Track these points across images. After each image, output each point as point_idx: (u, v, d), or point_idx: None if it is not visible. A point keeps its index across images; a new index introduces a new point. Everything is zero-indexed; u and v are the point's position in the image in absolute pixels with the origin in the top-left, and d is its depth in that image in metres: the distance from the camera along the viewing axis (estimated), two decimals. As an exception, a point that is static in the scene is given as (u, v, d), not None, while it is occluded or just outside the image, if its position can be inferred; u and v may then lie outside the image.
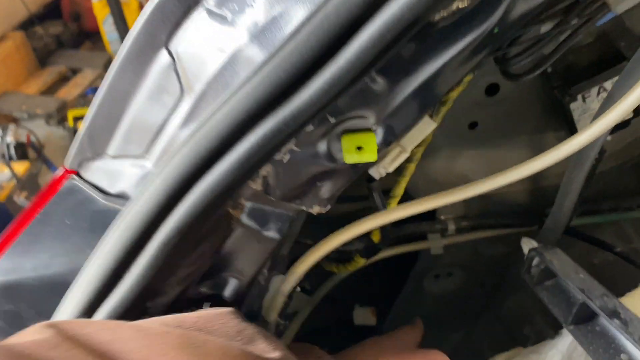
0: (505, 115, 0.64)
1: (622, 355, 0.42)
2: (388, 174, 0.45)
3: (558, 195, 0.59)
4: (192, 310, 0.39)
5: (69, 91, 3.07)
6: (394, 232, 0.66)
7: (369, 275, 0.76)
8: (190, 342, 0.29)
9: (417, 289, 0.79)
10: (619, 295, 0.50)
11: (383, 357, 0.46)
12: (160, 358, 0.27)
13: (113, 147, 0.46)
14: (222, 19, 0.37)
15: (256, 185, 0.35)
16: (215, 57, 0.38)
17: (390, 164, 0.41)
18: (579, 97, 0.58)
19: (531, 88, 0.63)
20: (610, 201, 0.71)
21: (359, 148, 0.35)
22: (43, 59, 3.35)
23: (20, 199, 2.34)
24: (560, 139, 0.67)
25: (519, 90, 0.62)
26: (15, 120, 2.89)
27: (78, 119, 2.71)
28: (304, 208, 0.39)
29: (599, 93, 0.58)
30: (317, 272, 0.70)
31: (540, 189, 0.71)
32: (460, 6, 0.30)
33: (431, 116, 0.41)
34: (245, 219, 0.37)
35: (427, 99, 0.34)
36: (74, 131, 2.68)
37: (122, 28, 2.57)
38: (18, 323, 0.45)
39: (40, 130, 2.77)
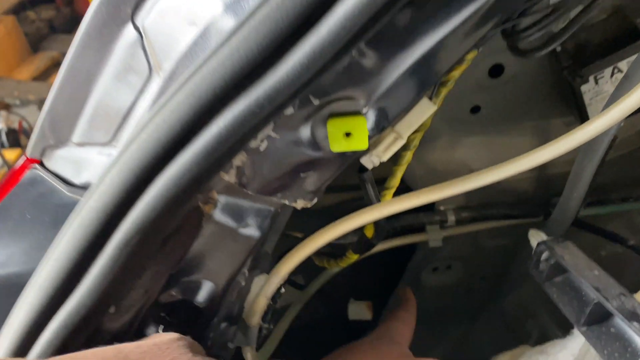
0: (510, 98, 0.59)
1: (641, 361, 0.39)
2: (382, 163, 0.41)
3: (567, 185, 0.55)
4: (160, 319, 0.35)
5: (62, 77, 3.00)
6: (390, 223, 0.62)
7: (364, 268, 0.72)
8: None
9: (415, 283, 0.75)
10: (629, 290, 0.46)
11: None
12: None
13: (77, 134, 0.42)
14: (191, -15, 0.32)
15: (229, 177, 0.31)
16: (186, 32, 0.34)
17: (384, 152, 0.36)
18: (591, 78, 0.54)
19: (538, 69, 0.58)
20: (620, 191, 0.66)
21: (348, 134, 0.30)
22: (35, 44, 3.28)
23: (12, 186, 2.30)
24: (569, 125, 0.63)
25: (525, 72, 0.58)
26: (7, 107, 2.84)
27: (70, 105, 2.65)
28: (286, 202, 0.35)
29: (612, 74, 0.53)
30: (310, 266, 0.66)
31: (547, 178, 0.66)
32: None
33: (430, 98, 0.36)
34: (218, 215, 0.33)
35: (425, 78, 0.30)
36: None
37: (115, 11, 2.50)
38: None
39: (33, 116, 2.71)
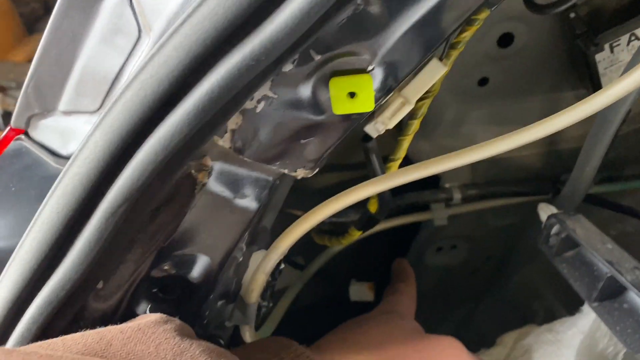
0: (520, 69, 0.57)
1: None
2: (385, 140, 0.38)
3: (579, 160, 0.53)
4: (152, 295, 0.33)
5: (58, 59, 2.96)
6: (394, 201, 0.59)
7: (366, 248, 0.70)
8: None
9: (418, 263, 0.73)
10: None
11: (391, 345, 0.40)
12: None
13: (64, 102, 0.39)
14: None
15: (223, 141, 0.28)
16: (178, -13, 0.31)
17: (390, 119, 0.34)
18: (606, 46, 0.51)
19: (550, 38, 0.55)
20: (632, 167, 0.64)
21: (352, 94, 0.28)
22: (30, 25, 3.22)
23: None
24: (580, 97, 0.60)
25: (536, 41, 0.55)
26: (2, 89, 2.80)
27: (67, 87, 2.62)
28: (285, 172, 0.32)
29: (629, 42, 0.51)
30: (310, 245, 0.64)
31: (556, 154, 0.64)
32: None
33: (440, 59, 0.34)
34: (213, 184, 0.31)
35: (436, 31, 0.27)
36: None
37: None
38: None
39: (29, 99, 2.67)
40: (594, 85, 0.55)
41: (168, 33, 0.25)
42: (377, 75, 0.28)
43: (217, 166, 0.30)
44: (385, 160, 0.44)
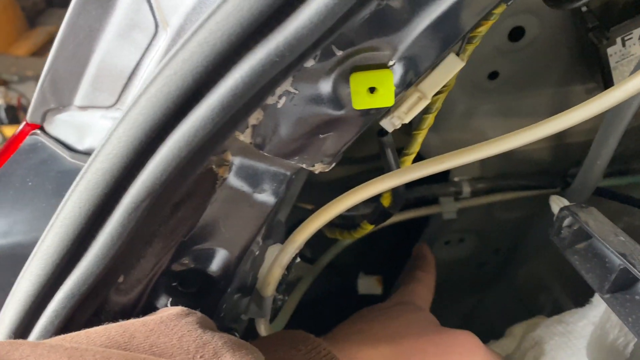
0: (531, 63, 0.57)
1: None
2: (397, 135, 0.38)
3: (589, 153, 0.53)
4: (172, 289, 0.33)
5: (60, 52, 2.96)
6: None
7: (374, 241, 0.71)
8: None
9: (426, 256, 0.74)
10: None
11: (409, 338, 0.40)
12: None
13: (80, 97, 0.39)
14: None
15: (244, 137, 0.29)
16: (195, -18, 0.31)
17: (406, 114, 0.34)
18: (618, 40, 0.51)
19: (561, 32, 0.55)
20: (640, 160, 0.64)
21: (372, 89, 0.28)
22: (32, 18, 3.22)
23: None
24: (591, 91, 0.60)
25: (547, 35, 0.55)
26: (5, 83, 2.80)
27: (70, 80, 2.62)
28: (303, 166, 0.32)
29: (641, 35, 0.51)
30: (319, 239, 0.64)
31: (566, 147, 0.64)
32: None
33: (457, 54, 0.34)
34: (233, 179, 0.31)
35: (456, 26, 0.27)
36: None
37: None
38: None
39: (31, 92, 2.67)
40: (605, 79, 0.55)
41: (192, 29, 0.25)
42: (397, 70, 0.28)
43: (238, 161, 0.31)
44: (397, 153, 0.44)
